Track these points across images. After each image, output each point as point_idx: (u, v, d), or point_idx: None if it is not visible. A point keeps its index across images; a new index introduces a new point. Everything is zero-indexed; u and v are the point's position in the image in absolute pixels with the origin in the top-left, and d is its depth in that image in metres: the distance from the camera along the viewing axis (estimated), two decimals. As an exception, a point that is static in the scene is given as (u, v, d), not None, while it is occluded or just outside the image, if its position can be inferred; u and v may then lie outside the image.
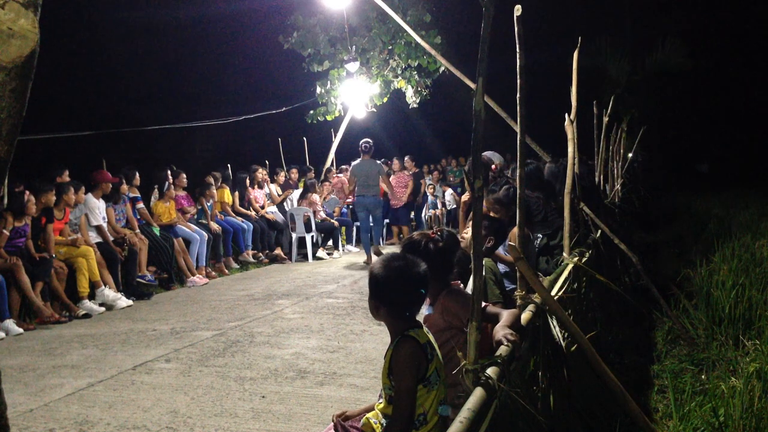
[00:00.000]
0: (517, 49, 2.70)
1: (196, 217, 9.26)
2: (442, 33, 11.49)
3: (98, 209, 7.36)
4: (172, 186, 8.81)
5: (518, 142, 2.73)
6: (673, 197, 17.02)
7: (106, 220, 7.53)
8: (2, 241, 6.08)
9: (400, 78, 12.62)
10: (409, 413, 1.95)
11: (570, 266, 3.77)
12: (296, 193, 11.43)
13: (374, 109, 13.20)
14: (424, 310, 2.55)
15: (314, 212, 10.62)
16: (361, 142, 9.95)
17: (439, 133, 21.97)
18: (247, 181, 10.48)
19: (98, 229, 7.30)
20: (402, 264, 2.07)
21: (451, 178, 15.51)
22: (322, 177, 12.73)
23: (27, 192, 6.34)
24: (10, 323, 5.77)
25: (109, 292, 6.88)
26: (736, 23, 21.81)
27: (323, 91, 12.49)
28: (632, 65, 15.81)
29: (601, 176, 7.74)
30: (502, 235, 3.77)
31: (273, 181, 11.48)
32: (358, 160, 9.90)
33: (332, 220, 11.10)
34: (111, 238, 7.43)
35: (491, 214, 4.17)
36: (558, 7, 19.42)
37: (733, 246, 6.52)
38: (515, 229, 2.90)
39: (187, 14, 14.74)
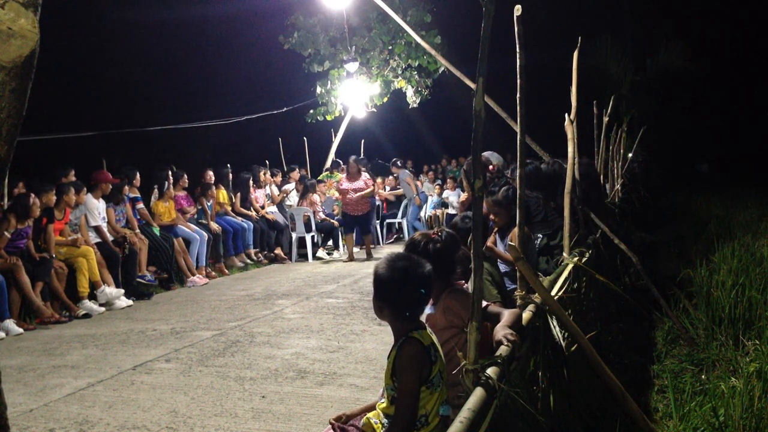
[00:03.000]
0: (517, 49, 2.69)
1: (196, 217, 9.26)
2: (442, 33, 11.50)
3: (97, 210, 7.35)
4: (172, 186, 8.82)
5: (518, 142, 2.73)
6: (673, 197, 17.02)
7: (106, 220, 7.52)
8: (2, 242, 6.08)
9: (400, 78, 12.62)
10: (412, 415, 1.95)
11: (570, 266, 3.77)
12: (292, 191, 11.44)
13: (374, 109, 13.20)
14: (427, 310, 2.55)
15: (314, 212, 10.62)
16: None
17: (439, 133, 21.96)
18: (251, 181, 10.47)
19: (97, 229, 7.30)
20: (406, 264, 2.08)
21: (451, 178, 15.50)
22: (325, 174, 12.73)
23: (32, 195, 6.34)
24: (10, 323, 5.77)
25: (111, 290, 6.88)
26: (737, 23, 21.81)
27: (323, 91, 12.49)
28: (633, 66, 15.80)
29: (601, 176, 7.74)
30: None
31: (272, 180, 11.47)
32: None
33: (332, 221, 11.10)
34: (111, 238, 7.43)
35: (491, 216, 4.17)
36: (558, 7, 19.41)
37: (733, 246, 6.51)
38: (515, 229, 2.90)
39: (187, 14, 14.74)
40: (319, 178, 12.31)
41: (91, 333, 5.77)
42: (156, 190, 8.81)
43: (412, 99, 13.05)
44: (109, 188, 7.61)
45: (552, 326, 2.70)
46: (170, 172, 8.85)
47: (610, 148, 9.11)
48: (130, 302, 7.02)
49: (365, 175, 10.43)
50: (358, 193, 10.15)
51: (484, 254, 3.14)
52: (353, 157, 10.74)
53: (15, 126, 1.05)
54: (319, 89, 12.52)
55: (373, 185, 10.62)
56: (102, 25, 13.86)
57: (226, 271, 9.23)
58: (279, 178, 11.63)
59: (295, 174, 12.09)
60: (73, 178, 7.41)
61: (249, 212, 10.34)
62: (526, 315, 2.59)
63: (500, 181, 4.49)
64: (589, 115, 7.42)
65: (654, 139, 16.26)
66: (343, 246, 11.47)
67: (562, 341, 2.74)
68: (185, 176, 9.27)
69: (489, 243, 4.09)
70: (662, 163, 21.06)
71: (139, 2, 14.42)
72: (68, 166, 7.56)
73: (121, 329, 5.86)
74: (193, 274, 8.43)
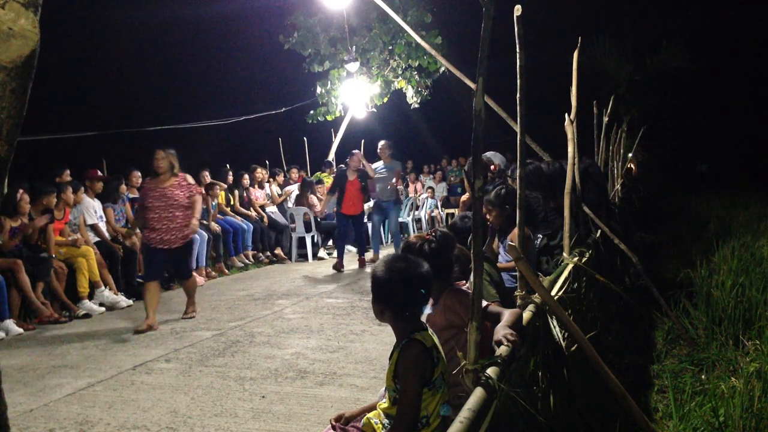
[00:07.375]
0: (517, 49, 2.69)
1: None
2: (442, 33, 11.49)
3: (93, 209, 7.34)
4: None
5: (518, 142, 2.73)
6: (673, 197, 17.02)
7: (104, 219, 7.52)
8: (7, 243, 6.08)
9: (400, 78, 12.62)
10: (414, 417, 1.95)
11: (570, 266, 3.77)
12: (294, 192, 11.43)
13: (374, 109, 13.20)
14: (427, 310, 2.55)
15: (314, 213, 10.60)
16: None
17: (439, 133, 21.97)
18: (247, 181, 10.47)
19: (93, 228, 7.29)
20: (404, 265, 2.07)
21: (452, 178, 15.54)
22: (318, 175, 12.72)
23: (20, 191, 6.30)
24: (10, 323, 5.76)
25: (109, 294, 6.87)
26: (737, 23, 21.81)
27: (323, 91, 12.49)
28: (633, 65, 15.80)
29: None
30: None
31: (273, 181, 11.47)
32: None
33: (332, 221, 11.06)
34: (109, 237, 7.42)
35: (487, 216, 4.17)
36: (558, 7, 19.40)
37: (733, 246, 6.52)
38: (515, 229, 2.90)
39: (187, 14, 14.75)
40: (316, 178, 12.31)
41: (91, 333, 5.77)
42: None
43: (413, 99, 13.06)
44: (100, 186, 7.59)
45: (552, 326, 2.70)
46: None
47: (610, 148, 9.10)
48: (130, 302, 7.02)
49: (187, 179, 6.15)
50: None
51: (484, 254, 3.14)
52: (167, 150, 6.04)
53: (15, 126, 1.05)
54: (319, 89, 12.52)
55: (201, 195, 6.34)
56: (102, 25, 13.88)
57: (226, 271, 9.23)
58: (281, 178, 11.62)
59: (295, 174, 12.10)
60: (68, 178, 7.40)
61: (248, 212, 10.34)
62: (527, 315, 2.58)
63: (496, 182, 4.49)
64: (589, 115, 7.42)
65: (654, 139, 16.25)
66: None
67: (562, 341, 2.74)
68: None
69: (492, 246, 4.09)
70: (662, 163, 21.04)
71: (139, 2, 14.44)
72: (62, 165, 7.55)
73: (121, 329, 5.85)
74: (193, 274, 8.42)
